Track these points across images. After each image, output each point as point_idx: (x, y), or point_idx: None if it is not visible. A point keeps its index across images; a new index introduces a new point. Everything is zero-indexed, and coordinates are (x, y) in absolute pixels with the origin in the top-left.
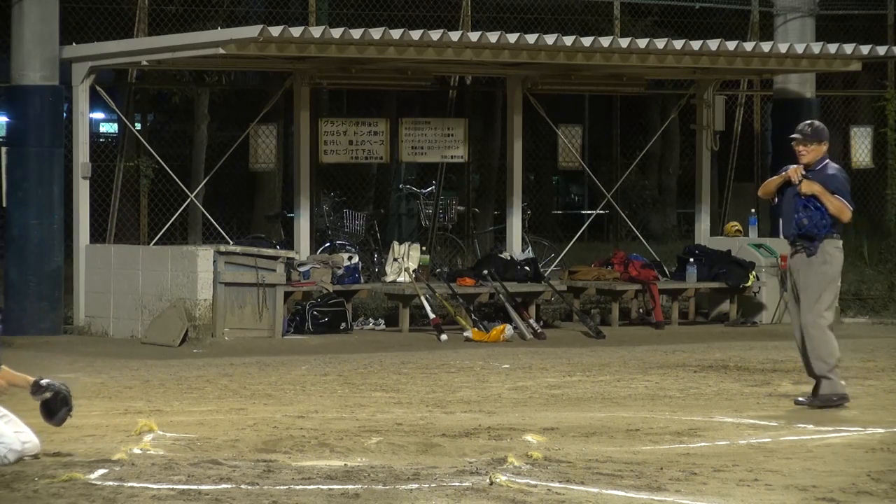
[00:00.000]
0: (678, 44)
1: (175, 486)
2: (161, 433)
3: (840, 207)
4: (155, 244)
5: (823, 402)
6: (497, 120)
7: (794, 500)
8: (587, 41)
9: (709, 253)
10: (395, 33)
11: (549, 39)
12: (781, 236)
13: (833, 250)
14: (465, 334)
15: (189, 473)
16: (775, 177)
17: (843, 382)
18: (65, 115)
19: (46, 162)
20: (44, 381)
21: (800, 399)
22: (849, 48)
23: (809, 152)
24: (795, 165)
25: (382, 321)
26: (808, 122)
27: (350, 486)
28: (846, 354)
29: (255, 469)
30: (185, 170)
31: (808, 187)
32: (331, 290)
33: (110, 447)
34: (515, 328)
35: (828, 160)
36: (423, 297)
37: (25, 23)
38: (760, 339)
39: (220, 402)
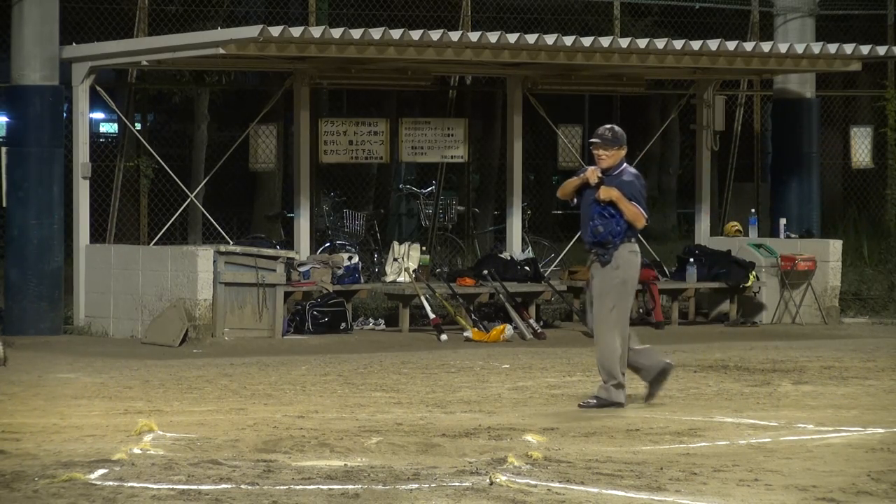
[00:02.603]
0: (678, 44)
1: (175, 486)
2: (161, 433)
3: (636, 214)
4: (155, 244)
5: (598, 402)
6: (497, 120)
7: (794, 500)
8: (587, 41)
9: (709, 253)
10: (395, 33)
11: (549, 39)
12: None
13: (627, 255)
14: (465, 334)
15: (189, 473)
16: (574, 178)
17: (623, 393)
18: (65, 115)
19: (46, 162)
20: None
21: (583, 403)
22: (849, 48)
23: (609, 157)
24: (593, 167)
25: (382, 321)
26: (609, 126)
27: (350, 486)
28: (846, 354)
29: (255, 469)
30: (185, 170)
31: (607, 193)
32: (331, 290)
33: (110, 447)
34: (515, 328)
35: (625, 165)
36: (423, 297)
37: (25, 23)
38: (760, 339)
39: (220, 402)
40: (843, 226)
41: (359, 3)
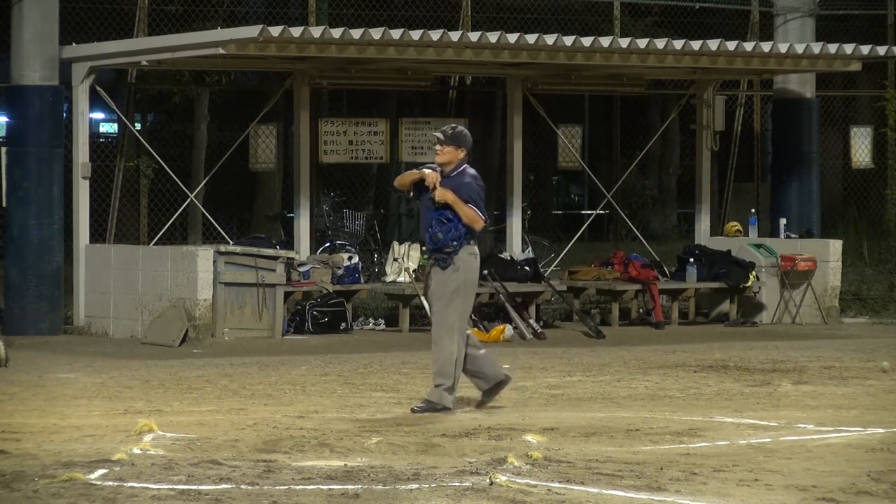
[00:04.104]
0: (678, 44)
1: (175, 486)
2: (161, 433)
3: (472, 217)
4: (155, 244)
5: (425, 407)
6: (497, 120)
7: (794, 500)
8: (587, 41)
9: (709, 253)
10: (395, 33)
11: (549, 39)
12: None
13: (467, 257)
14: None
15: (189, 473)
16: (413, 171)
17: (452, 397)
18: (65, 115)
19: (46, 162)
20: None
21: (415, 408)
22: (849, 48)
23: (445, 153)
24: (435, 172)
25: (382, 321)
26: (453, 125)
27: (350, 486)
28: (846, 354)
29: (255, 469)
30: (185, 170)
31: (442, 195)
32: (331, 290)
33: (110, 447)
34: (515, 328)
35: (465, 167)
36: (423, 297)
37: (25, 23)
38: (760, 339)
39: (220, 402)
40: (843, 226)
41: (359, 3)
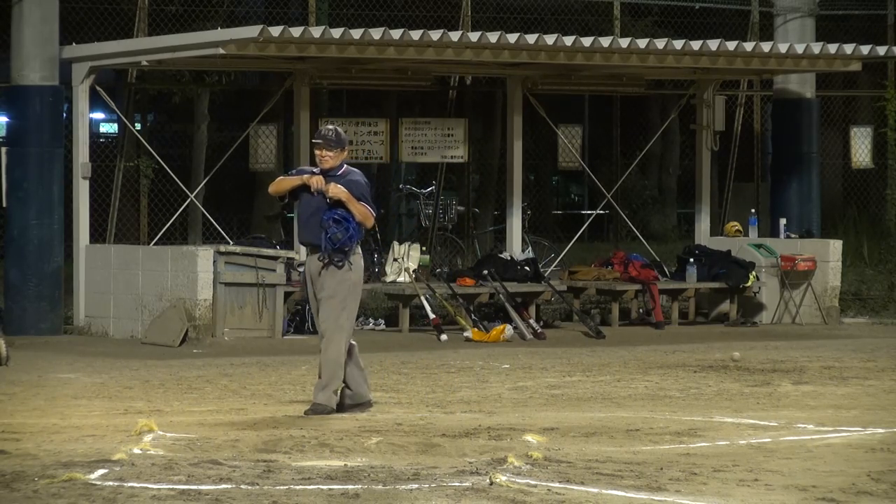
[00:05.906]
0: (678, 44)
1: (175, 486)
2: (161, 433)
3: (365, 214)
4: (155, 244)
5: (316, 409)
6: (497, 120)
7: (794, 500)
8: (587, 41)
9: (709, 253)
10: (395, 33)
11: (549, 39)
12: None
13: (357, 258)
14: (465, 334)
15: (189, 473)
16: (291, 176)
17: (337, 398)
18: (65, 115)
19: (46, 162)
20: None
21: (309, 410)
22: (849, 48)
23: (332, 157)
24: (317, 175)
25: (382, 321)
26: (332, 127)
27: (350, 486)
28: (846, 354)
29: (255, 469)
30: (185, 170)
31: (335, 190)
32: None
33: (110, 447)
34: (515, 328)
35: (346, 166)
36: (423, 297)
37: (25, 23)
38: (760, 339)
39: (220, 402)
40: (843, 226)
41: (359, 3)
